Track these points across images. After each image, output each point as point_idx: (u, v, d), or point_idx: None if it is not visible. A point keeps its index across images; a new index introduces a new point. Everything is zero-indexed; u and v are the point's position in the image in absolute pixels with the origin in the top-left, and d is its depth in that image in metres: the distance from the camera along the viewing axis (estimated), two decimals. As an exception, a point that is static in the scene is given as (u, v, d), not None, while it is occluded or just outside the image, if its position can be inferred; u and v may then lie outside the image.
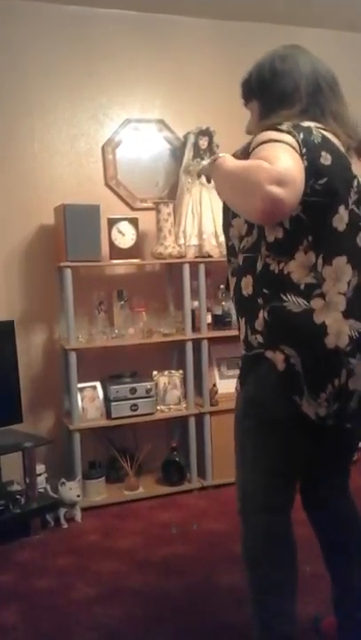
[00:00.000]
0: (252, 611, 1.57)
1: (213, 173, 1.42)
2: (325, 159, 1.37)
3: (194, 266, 3.13)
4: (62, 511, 2.76)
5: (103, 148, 3.24)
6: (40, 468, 2.87)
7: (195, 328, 3.16)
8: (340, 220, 1.41)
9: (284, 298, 1.40)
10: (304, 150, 1.33)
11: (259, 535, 1.54)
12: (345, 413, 1.45)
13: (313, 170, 1.34)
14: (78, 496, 2.79)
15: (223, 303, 3.22)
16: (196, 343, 3.15)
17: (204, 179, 1.55)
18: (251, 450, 1.53)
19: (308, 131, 1.38)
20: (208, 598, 2.10)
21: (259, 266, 1.45)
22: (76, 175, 3.20)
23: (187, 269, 3.10)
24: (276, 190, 1.19)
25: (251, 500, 1.54)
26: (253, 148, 1.33)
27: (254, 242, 1.46)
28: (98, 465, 3.05)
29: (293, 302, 1.39)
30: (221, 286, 3.22)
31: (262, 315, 1.43)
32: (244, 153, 1.39)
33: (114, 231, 3.06)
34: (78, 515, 2.82)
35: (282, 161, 1.23)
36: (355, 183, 1.44)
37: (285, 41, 1.55)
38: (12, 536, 2.62)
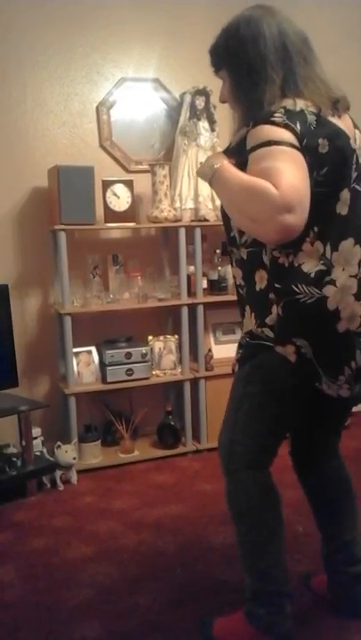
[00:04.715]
0: (246, 565, 1.60)
1: (215, 188, 1.39)
2: (323, 147, 1.33)
3: (190, 230, 3.09)
4: (58, 473, 2.79)
5: (98, 108, 3.16)
6: (36, 431, 2.90)
7: (190, 293, 3.14)
8: (344, 203, 1.39)
9: (296, 290, 1.38)
10: (304, 142, 1.29)
11: (247, 490, 1.57)
12: None
13: (313, 161, 1.30)
14: (74, 458, 2.81)
15: (219, 268, 3.20)
16: (192, 308, 3.14)
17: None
18: (246, 413, 1.54)
19: (303, 117, 1.32)
20: (201, 556, 2.14)
21: (266, 260, 1.42)
22: (69, 136, 3.13)
23: (183, 233, 3.06)
24: (287, 219, 1.19)
25: (238, 458, 1.57)
26: (251, 149, 1.29)
27: None
28: (94, 428, 3.08)
29: (306, 292, 1.37)
30: (217, 251, 3.20)
31: (276, 310, 1.42)
32: (240, 151, 1.34)
33: (109, 194, 3.02)
34: (74, 477, 2.85)
35: (287, 178, 1.20)
36: (354, 160, 1.40)
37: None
38: (9, 497, 2.65)
